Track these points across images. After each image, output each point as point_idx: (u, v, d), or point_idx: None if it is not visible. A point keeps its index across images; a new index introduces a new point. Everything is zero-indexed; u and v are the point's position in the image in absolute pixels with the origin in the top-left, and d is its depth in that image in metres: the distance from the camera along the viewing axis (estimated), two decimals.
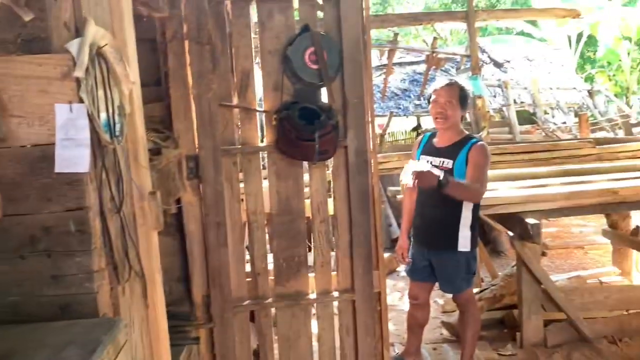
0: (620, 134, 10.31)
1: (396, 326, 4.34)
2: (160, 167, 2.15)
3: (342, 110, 2.66)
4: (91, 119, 1.38)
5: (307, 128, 2.52)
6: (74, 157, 1.36)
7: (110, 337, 1.27)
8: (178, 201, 2.60)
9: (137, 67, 1.72)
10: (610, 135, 10.27)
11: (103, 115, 1.44)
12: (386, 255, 5.12)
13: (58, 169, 1.36)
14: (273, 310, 2.81)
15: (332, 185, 2.82)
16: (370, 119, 2.72)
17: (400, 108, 12.32)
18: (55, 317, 1.37)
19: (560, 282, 4.51)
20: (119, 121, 1.53)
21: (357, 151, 2.69)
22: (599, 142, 6.12)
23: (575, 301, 3.99)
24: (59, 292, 1.39)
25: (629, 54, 16.52)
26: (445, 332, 4.18)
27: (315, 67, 2.57)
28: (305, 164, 2.80)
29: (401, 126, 16.46)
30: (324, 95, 2.71)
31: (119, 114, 1.53)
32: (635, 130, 10.46)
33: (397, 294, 5.23)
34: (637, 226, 4.97)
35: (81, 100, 1.36)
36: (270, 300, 2.74)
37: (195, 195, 2.61)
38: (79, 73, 1.33)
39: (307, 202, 2.81)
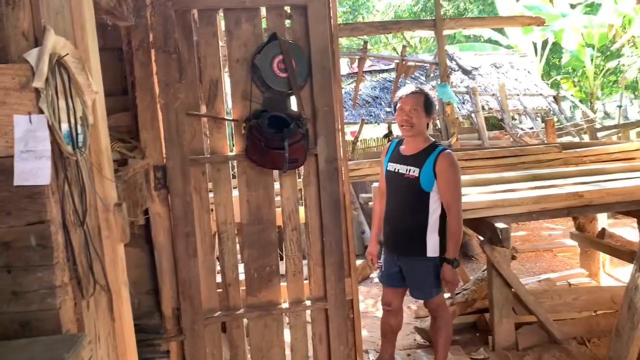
0: (586, 138, 10.58)
1: (370, 333, 4.34)
2: (126, 178, 2.11)
3: (312, 118, 2.66)
4: (52, 130, 1.35)
5: (277, 136, 2.51)
6: (34, 169, 1.32)
7: (74, 354, 1.23)
8: (146, 212, 2.56)
9: (100, 77, 1.69)
10: (576, 139, 10.53)
11: (65, 126, 1.41)
12: (359, 262, 5.14)
13: (17, 182, 1.32)
14: (245, 320, 2.78)
15: (303, 193, 2.82)
16: (340, 127, 2.73)
17: (371, 115, 12.43)
18: (16, 335, 1.33)
19: (530, 285, 4.58)
20: (82, 132, 1.50)
21: (327, 159, 2.69)
22: (565, 146, 6.27)
23: (545, 303, 4.05)
24: (19, 309, 1.34)
25: (592, 60, 16.98)
26: (418, 337, 4.20)
27: (283, 75, 2.56)
28: (276, 172, 2.79)
29: (373, 133, 16.62)
30: (293, 104, 2.70)
31: (81, 124, 1.50)
32: (599, 134, 10.76)
33: (370, 301, 5.24)
34: (604, 229, 5.09)
35: (41, 111, 1.32)
36: (242, 311, 2.71)
37: (163, 206, 2.57)
38: (38, 83, 1.30)
39: (278, 210, 2.79)
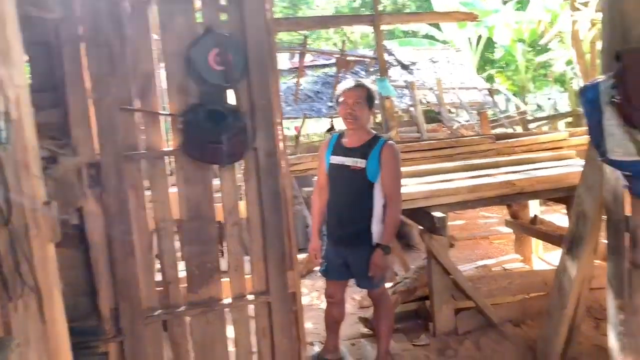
0: (518, 129, 11.02)
1: (315, 325, 4.37)
2: (57, 175, 2.04)
3: (250, 112, 2.64)
4: None
5: (214, 131, 2.48)
6: None
7: (1, 359, 1.18)
8: (80, 211, 2.47)
9: (23, 71, 1.62)
10: (509, 131, 10.95)
11: None
12: (304, 255, 5.16)
13: None
14: (188, 318, 2.74)
15: (243, 188, 2.80)
16: (279, 121, 2.73)
17: (313, 110, 12.47)
18: None
19: (468, 272, 4.75)
20: (5, 128, 1.43)
21: (266, 153, 2.68)
22: (498, 137, 6.52)
23: (481, 289, 4.21)
24: None
25: (523, 55, 17.68)
26: (362, 327, 4.26)
27: (220, 68, 2.53)
28: (216, 167, 2.76)
29: (316, 128, 16.69)
30: (232, 97, 2.68)
31: (4, 120, 1.43)
32: (531, 125, 11.24)
33: (315, 293, 5.28)
34: (535, 215, 5.34)
35: None
36: (183, 308, 2.67)
37: (97, 204, 2.49)
38: None
39: (218, 206, 2.77)
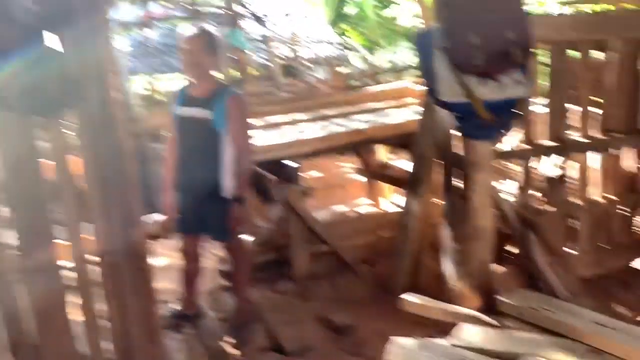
0: (369, 82, 11.51)
1: (174, 284, 4.28)
2: None
3: (78, 58, 2.41)
4: None
5: (33, 78, 2.22)
6: None
7: None
8: None
9: None
10: (360, 84, 11.38)
11: None
12: (163, 217, 4.97)
13: None
14: (21, 287, 2.50)
15: (77, 143, 2.57)
16: (114, 70, 2.53)
17: (165, 65, 11.87)
18: None
19: (323, 218, 4.93)
20: None
21: (99, 103, 2.47)
22: (350, 88, 6.75)
23: (336, 233, 4.41)
24: None
25: (373, 11, 18.23)
26: (222, 280, 4.26)
27: (36, 8, 2.25)
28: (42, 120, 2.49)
29: (170, 83, 15.95)
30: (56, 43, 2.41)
31: None
32: (380, 77, 11.80)
33: (175, 253, 5.15)
34: (385, 162, 5.66)
35: None
36: (15, 276, 2.43)
37: None
38: None
39: (50, 163, 2.52)
